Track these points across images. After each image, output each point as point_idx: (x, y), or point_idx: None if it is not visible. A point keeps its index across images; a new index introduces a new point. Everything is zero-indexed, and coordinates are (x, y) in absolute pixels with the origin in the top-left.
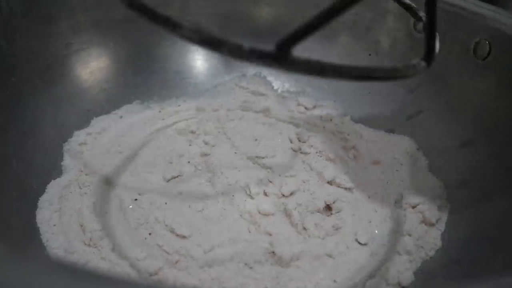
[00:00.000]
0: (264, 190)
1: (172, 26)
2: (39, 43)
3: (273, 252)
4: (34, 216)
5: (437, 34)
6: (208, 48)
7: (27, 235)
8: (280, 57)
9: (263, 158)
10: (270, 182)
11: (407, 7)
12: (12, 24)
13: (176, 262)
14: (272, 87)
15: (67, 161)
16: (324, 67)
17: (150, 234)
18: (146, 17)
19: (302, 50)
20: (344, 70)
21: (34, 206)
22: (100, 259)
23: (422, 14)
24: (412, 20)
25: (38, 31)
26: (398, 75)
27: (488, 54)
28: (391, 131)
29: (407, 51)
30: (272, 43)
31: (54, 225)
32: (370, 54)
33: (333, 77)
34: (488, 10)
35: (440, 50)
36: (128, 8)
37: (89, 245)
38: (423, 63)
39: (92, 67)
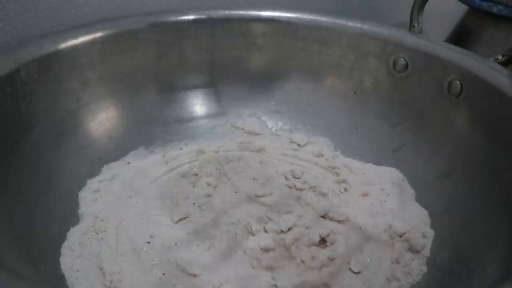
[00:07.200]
0: (264, 227)
1: None
2: (53, 101)
3: (276, 286)
4: (58, 262)
5: None
6: None
7: (55, 281)
8: None
9: (262, 196)
10: (269, 219)
11: None
12: (30, 87)
13: None
14: (267, 126)
15: (83, 208)
16: None
17: (164, 274)
18: None
19: (293, 89)
20: None
21: (57, 252)
22: None
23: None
24: (391, 61)
25: (51, 91)
26: None
27: (460, 92)
28: (378, 163)
29: (389, 88)
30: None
31: (77, 271)
32: (355, 92)
33: None
34: (457, 53)
35: (418, 88)
36: None
37: (110, 287)
38: None
39: (100, 118)
